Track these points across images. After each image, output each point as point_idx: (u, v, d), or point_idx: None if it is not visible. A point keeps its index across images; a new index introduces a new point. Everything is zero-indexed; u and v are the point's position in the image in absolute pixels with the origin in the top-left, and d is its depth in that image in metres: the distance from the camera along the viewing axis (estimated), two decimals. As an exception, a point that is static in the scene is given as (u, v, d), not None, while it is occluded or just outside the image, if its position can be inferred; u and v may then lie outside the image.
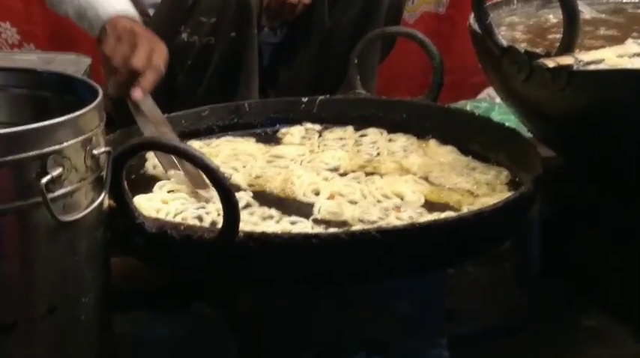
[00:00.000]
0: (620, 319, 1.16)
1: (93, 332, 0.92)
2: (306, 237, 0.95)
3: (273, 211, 1.13)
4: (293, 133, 1.39)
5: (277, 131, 1.42)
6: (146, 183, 1.21)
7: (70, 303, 0.88)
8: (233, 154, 1.31)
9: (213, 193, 1.10)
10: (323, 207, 1.14)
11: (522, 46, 1.19)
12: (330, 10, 1.74)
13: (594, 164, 1.17)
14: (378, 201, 1.16)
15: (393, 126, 1.39)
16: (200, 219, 1.09)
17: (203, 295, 1.16)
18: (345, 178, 1.24)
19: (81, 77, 1.03)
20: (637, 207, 1.14)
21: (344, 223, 1.10)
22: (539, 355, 1.11)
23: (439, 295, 1.19)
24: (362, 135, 1.39)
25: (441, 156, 1.29)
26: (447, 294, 1.20)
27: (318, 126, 1.42)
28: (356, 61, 1.46)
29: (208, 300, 1.16)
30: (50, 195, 0.82)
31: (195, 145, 1.33)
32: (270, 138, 1.40)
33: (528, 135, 1.27)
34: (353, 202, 1.16)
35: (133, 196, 1.03)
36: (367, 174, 1.25)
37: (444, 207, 1.15)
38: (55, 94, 1.00)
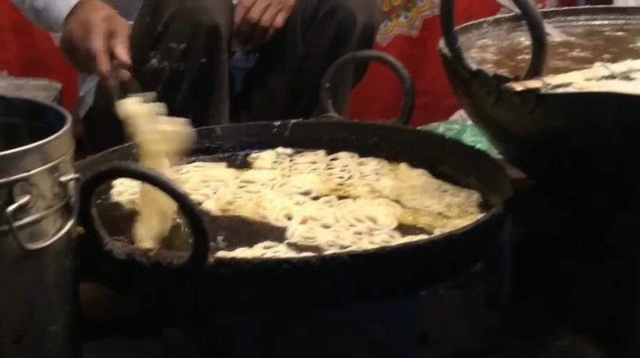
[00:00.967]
0: (593, 339, 1.16)
1: (62, 360, 0.91)
2: (277, 262, 0.95)
3: (245, 236, 1.12)
4: (264, 158, 1.39)
5: (248, 155, 1.41)
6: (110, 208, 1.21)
7: (38, 332, 0.87)
8: (203, 180, 1.30)
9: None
10: (296, 232, 1.14)
11: (489, 67, 1.20)
12: (303, 35, 1.74)
13: (564, 185, 1.17)
14: (351, 225, 1.16)
15: (365, 150, 1.39)
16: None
17: (175, 321, 1.15)
18: (318, 202, 1.24)
19: (50, 104, 1.02)
20: (607, 227, 1.15)
21: (317, 248, 1.10)
22: (513, 377, 1.11)
23: (412, 318, 1.19)
24: (333, 159, 1.39)
25: (412, 179, 1.29)
26: (419, 317, 1.20)
27: (289, 151, 1.42)
28: (327, 85, 1.47)
29: (180, 326, 1.15)
30: (17, 223, 0.81)
31: (166, 172, 1.32)
32: (241, 163, 1.39)
33: (499, 156, 1.28)
34: (326, 226, 1.16)
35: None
36: (340, 197, 1.25)
37: (416, 230, 1.15)
38: (24, 121, 0.99)
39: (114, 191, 1.28)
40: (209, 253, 0.93)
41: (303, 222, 1.17)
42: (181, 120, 1.16)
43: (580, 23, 1.45)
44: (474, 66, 1.10)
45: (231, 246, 1.10)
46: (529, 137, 1.11)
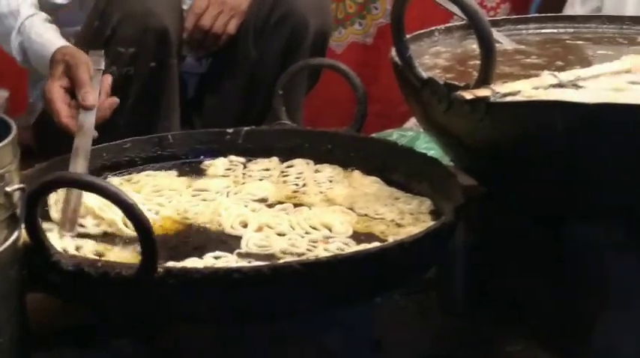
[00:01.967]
0: (545, 345, 1.17)
1: (8, 373, 0.89)
2: (227, 272, 0.94)
3: (199, 245, 1.11)
4: (217, 165, 1.38)
5: (200, 163, 1.40)
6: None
7: (-17, 345, 0.85)
8: (156, 190, 1.29)
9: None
10: (251, 240, 1.13)
11: (438, 72, 1.21)
12: (256, 41, 1.74)
13: (515, 193, 1.18)
14: (307, 233, 1.16)
15: (318, 157, 1.39)
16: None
17: (124, 332, 1.13)
18: (273, 209, 1.24)
19: (-5, 112, 1.01)
20: (557, 234, 1.16)
21: (271, 256, 1.09)
22: (466, 383, 1.12)
23: (366, 326, 1.19)
24: (288, 166, 1.39)
25: (365, 186, 1.30)
26: (374, 324, 1.20)
27: (242, 158, 1.41)
28: (281, 92, 1.46)
29: (130, 337, 1.13)
30: (-41, 235, 0.79)
31: (115, 181, 1.31)
32: (194, 171, 1.38)
33: (451, 164, 1.29)
34: (281, 234, 1.15)
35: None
36: (295, 205, 1.25)
37: (370, 237, 1.15)
38: (-32, 130, 0.97)
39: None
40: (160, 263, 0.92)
41: (259, 229, 1.17)
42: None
43: (531, 31, 1.46)
44: (424, 74, 1.11)
45: (183, 256, 1.09)
46: (480, 145, 1.12)
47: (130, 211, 0.88)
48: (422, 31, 1.36)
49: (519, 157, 1.08)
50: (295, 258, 1.06)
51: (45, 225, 1.10)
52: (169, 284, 0.92)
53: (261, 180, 1.34)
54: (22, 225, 0.91)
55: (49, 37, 1.48)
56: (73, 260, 0.96)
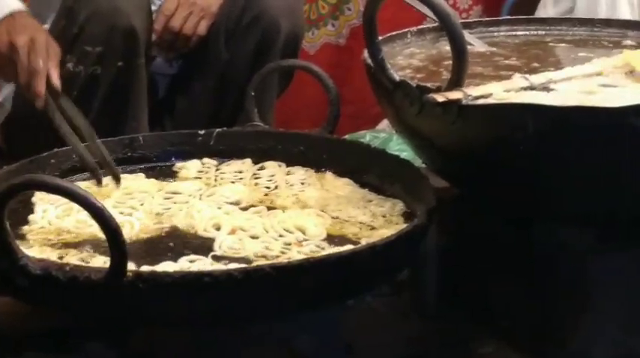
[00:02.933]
0: (517, 347, 1.18)
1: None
2: (198, 276, 0.94)
3: (172, 248, 1.11)
4: (189, 167, 1.37)
5: (172, 165, 1.39)
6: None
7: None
8: (127, 193, 1.27)
9: None
10: (224, 243, 1.12)
11: (409, 72, 1.21)
12: (227, 42, 1.73)
13: (487, 195, 1.19)
14: (280, 236, 1.15)
15: (291, 159, 1.39)
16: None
17: (97, 335, 1.12)
18: (247, 212, 1.23)
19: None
20: (528, 236, 1.17)
21: (245, 259, 1.09)
22: (438, 385, 1.12)
23: (338, 329, 1.19)
24: (261, 168, 1.38)
25: (337, 189, 1.29)
26: (345, 327, 1.20)
27: (214, 161, 1.40)
28: (252, 94, 1.46)
29: (101, 341, 1.12)
30: None
31: (83, 185, 1.29)
32: (164, 173, 1.37)
33: (423, 166, 1.29)
34: (254, 237, 1.15)
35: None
36: (268, 208, 1.24)
37: (343, 240, 1.15)
38: None
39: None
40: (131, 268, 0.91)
41: (232, 232, 1.16)
42: None
43: (502, 33, 1.47)
44: (397, 77, 1.11)
45: (157, 260, 1.08)
46: (452, 147, 1.12)
47: (98, 214, 0.87)
48: (394, 33, 1.36)
49: (491, 159, 1.08)
50: (269, 261, 1.06)
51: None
52: (139, 288, 0.91)
53: (233, 182, 1.33)
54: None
55: None
56: (41, 263, 0.95)
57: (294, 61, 1.64)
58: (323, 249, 1.12)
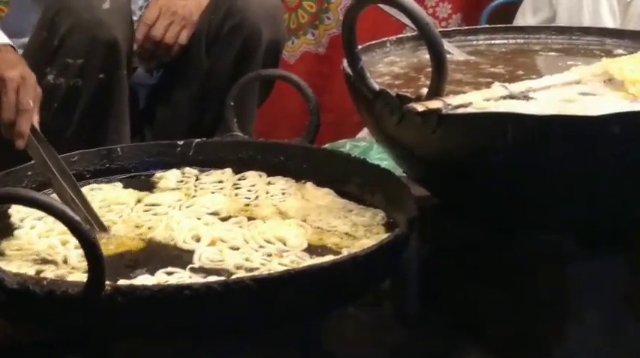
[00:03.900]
0: (500, 354, 1.17)
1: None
2: (177, 289, 0.93)
3: (152, 261, 1.10)
4: (168, 178, 1.36)
5: (151, 176, 1.37)
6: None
7: None
8: (104, 205, 1.26)
9: None
10: (204, 254, 1.11)
11: (387, 79, 1.21)
12: (208, 51, 1.73)
13: (468, 204, 1.19)
14: (261, 247, 1.15)
15: (271, 169, 1.38)
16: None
17: (75, 350, 1.11)
18: (227, 223, 1.22)
19: None
20: (509, 245, 1.17)
21: (225, 271, 1.08)
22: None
23: (319, 339, 1.18)
24: (241, 178, 1.37)
25: (318, 198, 1.29)
26: (327, 337, 1.19)
27: (194, 171, 1.39)
28: (232, 103, 1.45)
29: (80, 355, 1.11)
30: None
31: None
32: (143, 184, 1.35)
33: (404, 175, 1.29)
34: (235, 248, 1.14)
35: None
36: (248, 218, 1.23)
37: (324, 250, 1.15)
38: None
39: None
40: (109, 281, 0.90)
41: (212, 243, 1.15)
42: None
43: (481, 42, 1.47)
44: (376, 86, 1.11)
45: (135, 273, 1.07)
46: (432, 156, 1.12)
47: (76, 228, 0.86)
48: (374, 42, 1.36)
49: (471, 168, 1.08)
50: (249, 273, 1.05)
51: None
52: (117, 302, 0.90)
53: (213, 193, 1.32)
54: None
55: None
56: (18, 278, 0.93)
57: (273, 71, 1.64)
58: (304, 259, 1.11)
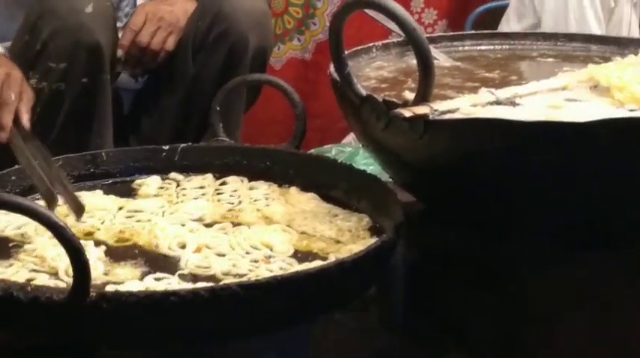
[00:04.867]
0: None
1: None
2: (163, 295, 0.92)
3: (136, 268, 1.09)
4: (149, 184, 1.34)
5: (132, 182, 1.36)
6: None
7: None
8: (86, 211, 1.24)
9: None
10: (190, 261, 1.10)
11: (373, 82, 1.21)
12: (195, 57, 1.72)
13: (455, 209, 1.19)
14: (247, 253, 1.14)
15: (256, 174, 1.37)
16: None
17: (60, 356, 1.10)
18: (212, 229, 1.21)
19: None
20: (496, 250, 1.17)
21: (212, 277, 1.07)
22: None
23: (306, 345, 1.17)
24: (222, 184, 1.36)
25: (302, 203, 1.28)
26: (314, 342, 1.18)
27: (175, 176, 1.38)
28: (218, 109, 1.44)
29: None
30: None
31: (41, 202, 1.25)
32: (123, 190, 1.34)
33: (390, 180, 1.28)
34: (221, 255, 1.13)
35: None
36: (233, 224, 1.23)
37: (311, 255, 1.14)
38: None
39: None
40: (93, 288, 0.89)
41: (197, 250, 1.14)
42: None
43: (466, 48, 1.48)
44: (363, 91, 1.11)
45: (120, 279, 1.06)
46: (419, 162, 1.12)
47: (60, 234, 0.85)
48: (360, 47, 1.36)
49: (458, 174, 1.08)
50: (237, 279, 1.04)
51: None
52: (103, 308, 0.89)
53: (196, 198, 1.31)
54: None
55: None
56: (2, 284, 0.92)
57: (260, 76, 1.63)
58: (291, 265, 1.11)
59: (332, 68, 1.17)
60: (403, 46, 1.39)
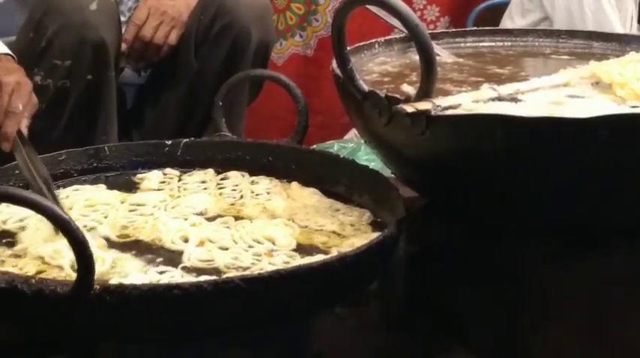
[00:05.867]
0: (485, 356, 1.18)
1: None
2: (167, 288, 0.92)
3: (140, 261, 1.09)
4: (150, 178, 1.35)
5: (133, 176, 1.36)
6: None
7: None
8: (89, 205, 1.25)
9: None
10: (193, 255, 1.11)
11: (375, 76, 1.21)
12: (197, 51, 1.72)
13: (456, 205, 1.19)
14: (250, 246, 1.14)
15: (259, 169, 1.38)
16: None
17: (63, 350, 1.10)
18: (214, 223, 1.21)
19: None
20: (496, 247, 1.17)
21: (216, 271, 1.08)
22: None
23: (307, 340, 1.18)
24: (223, 178, 1.37)
25: (304, 198, 1.29)
26: (315, 337, 1.19)
27: (176, 171, 1.38)
28: (221, 104, 1.45)
29: (69, 355, 1.10)
30: None
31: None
32: (126, 184, 1.34)
33: (392, 176, 1.29)
34: (224, 248, 1.13)
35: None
36: (235, 218, 1.23)
37: (313, 249, 1.15)
38: None
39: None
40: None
41: (200, 244, 1.14)
42: None
43: (468, 44, 1.48)
44: (365, 87, 1.11)
45: (125, 272, 1.06)
46: (421, 157, 1.12)
47: (65, 227, 0.85)
48: (362, 44, 1.36)
49: (460, 170, 1.08)
50: (240, 273, 1.05)
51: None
52: (107, 301, 0.90)
53: (197, 193, 1.31)
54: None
55: None
56: (5, 276, 0.93)
57: (262, 71, 1.64)
58: (294, 259, 1.11)
59: (334, 64, 1.17)
60: (405, 42, 1.40)
